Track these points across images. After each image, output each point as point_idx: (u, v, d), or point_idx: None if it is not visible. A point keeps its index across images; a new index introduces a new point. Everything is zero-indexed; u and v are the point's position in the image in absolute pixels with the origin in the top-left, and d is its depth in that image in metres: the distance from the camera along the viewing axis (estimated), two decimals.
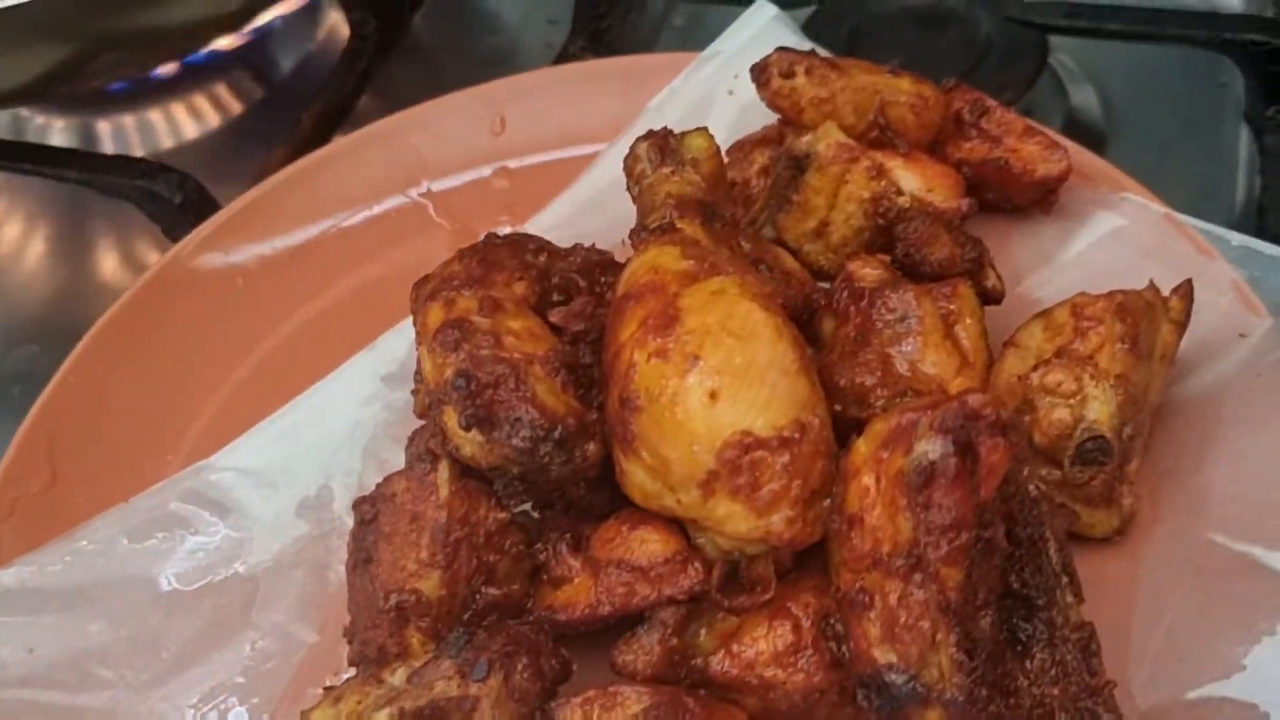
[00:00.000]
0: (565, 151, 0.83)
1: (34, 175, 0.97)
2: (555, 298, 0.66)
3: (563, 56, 1.06)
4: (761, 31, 0.83)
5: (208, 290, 0.77)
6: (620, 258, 0.71)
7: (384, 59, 1.11)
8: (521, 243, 0.67)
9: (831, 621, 0.54)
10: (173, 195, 0.92)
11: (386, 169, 0.81)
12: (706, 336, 0.55)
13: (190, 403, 0.74)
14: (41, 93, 1.03)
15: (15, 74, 0.92)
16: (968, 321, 0.64)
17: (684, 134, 0.70)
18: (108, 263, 1.08)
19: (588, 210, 0.80)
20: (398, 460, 0.70)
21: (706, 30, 1.14)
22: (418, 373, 0.68)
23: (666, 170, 0.68)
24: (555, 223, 0.80)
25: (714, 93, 0.82)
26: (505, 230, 0.77)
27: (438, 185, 0.82)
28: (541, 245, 0.68)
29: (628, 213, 0.77)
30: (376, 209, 0.81)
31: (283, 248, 0.79)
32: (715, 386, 0.53)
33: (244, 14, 0.97)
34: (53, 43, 0.89)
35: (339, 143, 0.82)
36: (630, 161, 0.70)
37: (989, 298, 0.67)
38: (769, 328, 0.55)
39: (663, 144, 0.69)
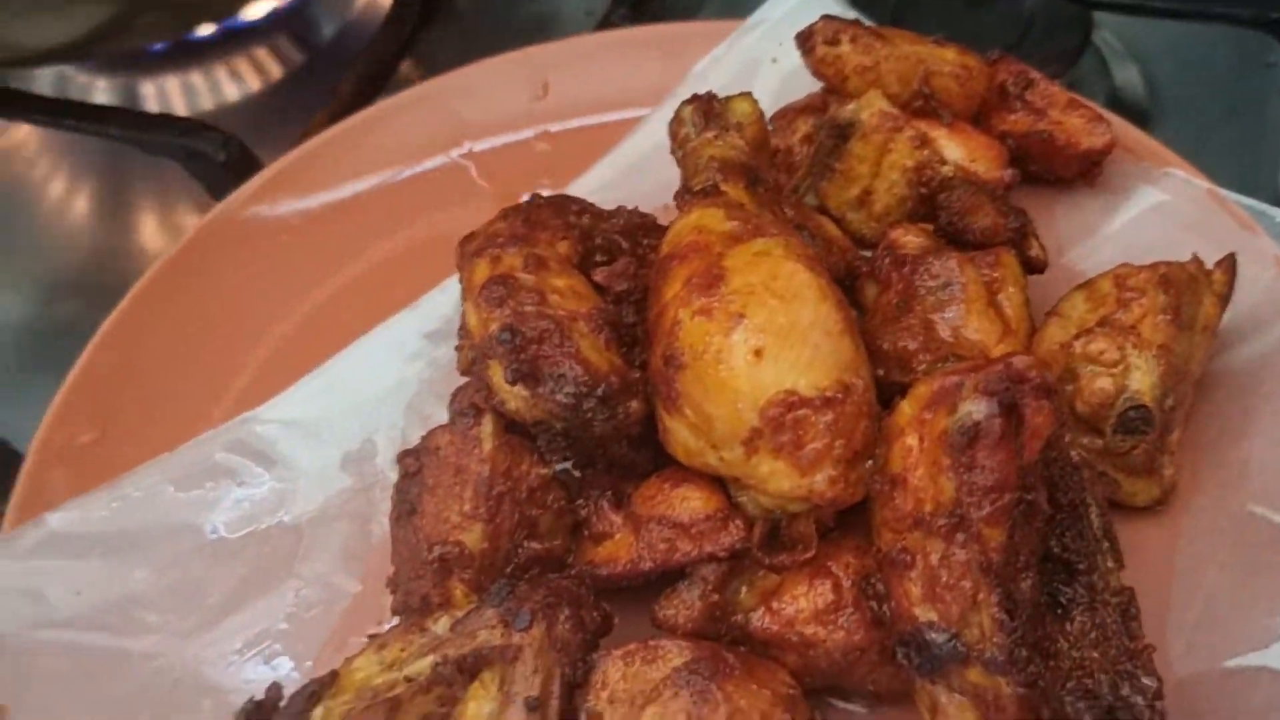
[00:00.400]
0: (606, 116, 0.84)
1: (79, 132, 0.98)
2: (598, 258, 0.67)
3: (604, 24, 1.06)
4: (805, 1, 0.83)
5: (253, 245, 0.78)
6: (663, 221, 0.72)
7: (426, 25, 1.12)
8: (564, 203, 0.68)
9: (872, 581, 0.55)
10: (216, 154, 0.93)
11: (430, 130, 0.82)
12: (751, 296, 0.55)
13: (235, 356, 0.74)
14: (83, 51, 1.04)
15: (57, 32, 0.93)
16: (1010, 290, 0.64)
17: (728, 98, 0.70)
18: (148, 221, 1.09)
19: (630, 174, 0.81)
20: (441, 416, 0.71)
21: (749, 2, 1.14)
22: (462, 329, 0.68)
23: (710, 134, 0.68)
24: (597, 185, 0.80)
25: (758, 60, 0.83)
26: (546, 193, 0.78)
27: (479, 147, 0.83)
28: (584, 206, 0.68)
29: (670, 177, 0.77)
30: (419, 169, 0.81)
31: (327, 204, 0.80)
32: (759, 345, 0.54)
33: None
34: (94, 1, 0.90)
35: (384, 103, 0.83)
36: (675, 125, 0.70)
37: (1032, 267, 0.67)
38: (813, 289, 0.56)
39: (707, 108, 0.69)
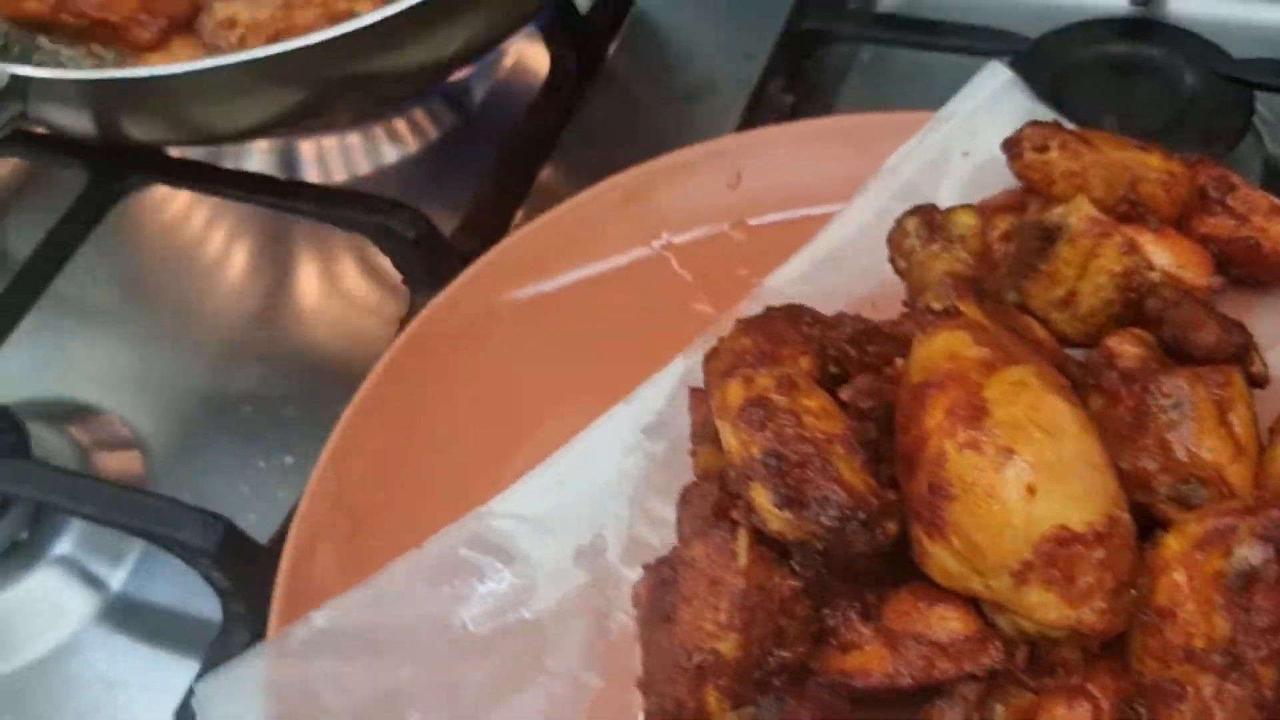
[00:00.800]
0: (800, 206, 0.86)
1: (274, 208, 1.01)
2: (831, 369, 0.69)
3: (760, 94, 1.09)
4: (997, 95, 0.86)
5: (471, 335, 0.81)
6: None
7: (583, 92, 1.15)
8: (797, 314, 0.71)
9: (1133, 705, 0.58)
10: (407, 231, 0.96)
11: (630, 221, 0.85)
12: (1017, 430, 0.58)
13: (462, 446, 0.78)
14: (269, 133, 1.07)
15: (251, 116, 0.96)
16: (1239, 408, 0.66)
17: (949, 210, 0.73)
18: (309, 281, 1.12)
19: (827, 266, 0.83)
20: (663, 511, 0.74)
21: (893, 67, 1.16)
22: (695, 434, 0.72)
23: (936, 247, 0.71)
24: (797, 276, 0.83)
25: (949, 153, 0.85)
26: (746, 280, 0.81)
27: (678, 238, 0.86)
28: (814, 316, 0.71)
29: (866, 269, 0.81)
30: (623, 260, 0.84)
31: (539, 295, 0.83)
32: (1031, 481, 0.57)
33: (468, 54, 1.01)
34: (290, 89, 0.93)
35: (584, 195, 0.86)
36: (898, 235, 0.73)
37: (1254, 382, 0.69)
38: (1075, 422, 0.59)
39: (929, 219, 0.72)
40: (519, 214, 1.06)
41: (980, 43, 1.03)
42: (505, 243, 0.83)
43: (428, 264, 0.98)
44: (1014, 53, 1.03)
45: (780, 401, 0.63)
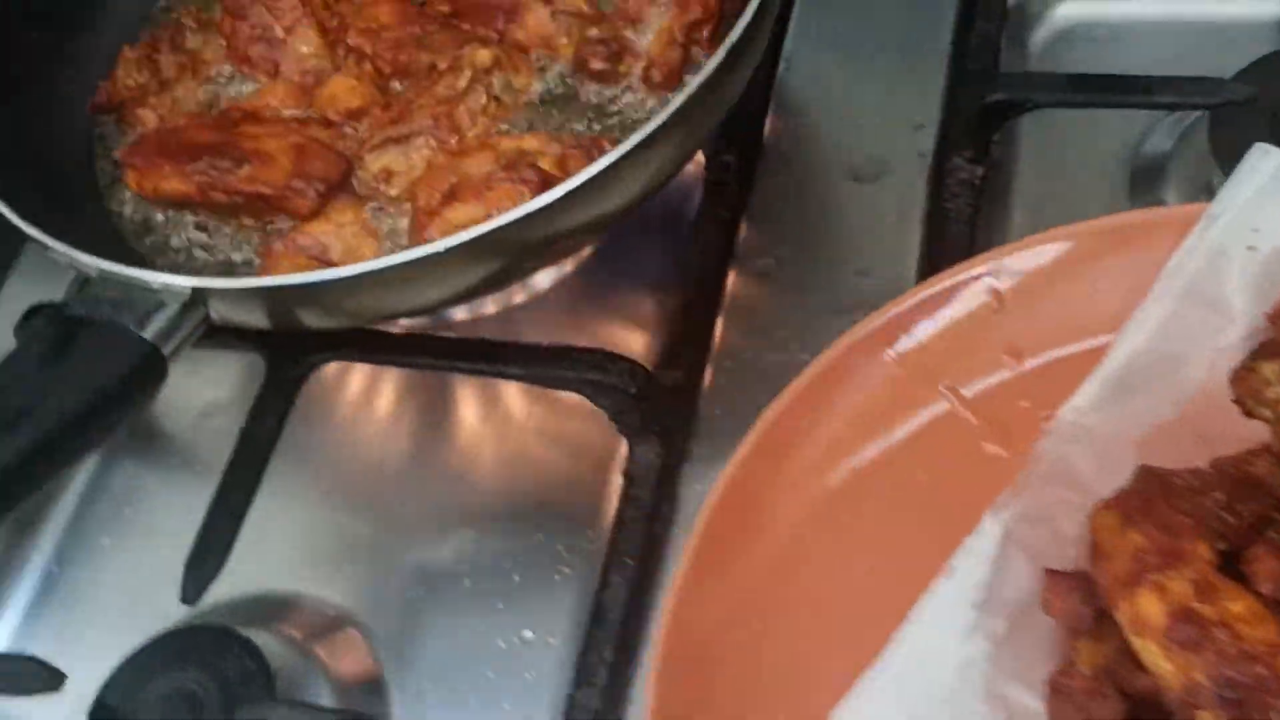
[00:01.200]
0: (1074, 330, 0.80)
1: (474, 374, 0.95)
2: (1218, 545, 0.64)
3: (941, 169, 1.03)
4: (1273, 180, 0.80)
5: (769, 524, 0.75)
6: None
7: (749, 179, 1.08)
8: (1167, 486, 0.65)
9: None
10: (627, 386, 0.91)
11: (909, 375, 0.79)
12: None
13: (788, 647, 0.72)
14: (452, 305, 1.00)
15: (433, 296, 0.90)
16: None
17: None
18: (496, 429, 1.04)
19: (1121, 389, 0.77)
20: (1024, 700, 0.69)
21: (1050, 119, 1.09)
22: (1069, 628, 0.67)
23: None
24: (1089, 405, 0.77)
25: (1231, 250, 0.79)
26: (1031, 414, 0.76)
27: (955, 380, 0.80)
28: (1181, 483, 0.66)
29: (1168, 390, 0.76)
30: (915, 421, 0.78)
31: (839, 476, 0.77)
32: None
33: (651, 192, 0.94)
34: (487, 262, 0.87)
35: (842, 349, 0.79)
36: (1254, 383, 0.67)
37: None
38: None
39: None
40: (719, 326, 1.00)
41: (1186, 96, 0.97)
42: (775, 417, 0.76)
43: (644, 412, 0.92)
44: (1220, 101, 0.97)
45: (1208, 613, 0.58)
